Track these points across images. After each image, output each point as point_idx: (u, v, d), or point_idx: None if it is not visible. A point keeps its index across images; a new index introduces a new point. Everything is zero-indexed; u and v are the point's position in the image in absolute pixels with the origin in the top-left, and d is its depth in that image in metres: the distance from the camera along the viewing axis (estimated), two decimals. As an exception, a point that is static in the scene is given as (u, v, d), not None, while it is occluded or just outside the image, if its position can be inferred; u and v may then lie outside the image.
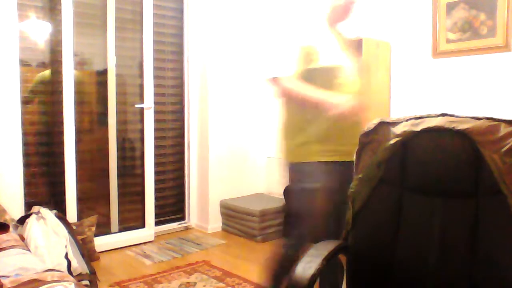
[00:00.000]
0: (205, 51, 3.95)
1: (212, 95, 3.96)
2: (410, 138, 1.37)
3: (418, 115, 1.39)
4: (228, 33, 4.03)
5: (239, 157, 4.18)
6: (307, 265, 1.21)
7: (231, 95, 4.09)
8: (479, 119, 1.30)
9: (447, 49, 3.07)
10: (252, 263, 3.20)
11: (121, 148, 3.67)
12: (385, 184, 1.41)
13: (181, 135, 4.08)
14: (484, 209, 1.25)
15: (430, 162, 1.34)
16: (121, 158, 3.66)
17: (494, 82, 2.89)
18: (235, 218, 3.87)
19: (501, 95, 2.84)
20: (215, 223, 4.01)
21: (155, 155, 3.77)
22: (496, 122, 1.27)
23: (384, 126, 1.43)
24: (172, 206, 4.05)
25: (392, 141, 1.39)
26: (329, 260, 1.29)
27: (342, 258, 1.45)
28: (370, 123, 1.47)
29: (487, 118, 1.29)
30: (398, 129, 1.39)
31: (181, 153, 4.08)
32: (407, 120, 1.41)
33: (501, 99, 2.85)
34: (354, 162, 1.51)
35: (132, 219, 3.75)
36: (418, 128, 1.36)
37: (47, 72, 3.27)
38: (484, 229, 1.25)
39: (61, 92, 3.23)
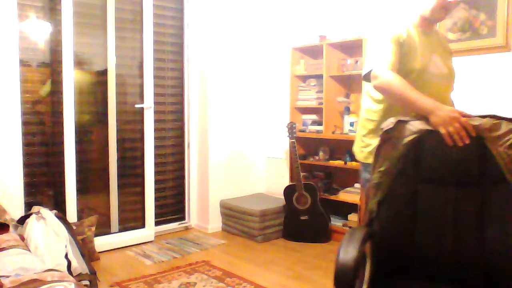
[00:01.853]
0: (205, 51, 3.95)
1: (212, 95, 3.96)
2: (425, 135, 1.55)
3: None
4: (228, 33, 4.04)
5: (239, 157, 4.18)
6: (348, 249, 1.34)
7: (231, 95, 4.10)
8: (484, 117, 1.48)
9: (447, 49, 3.07)
10: (252, 263, 3.20)
11: (121, 148, 3.67)
12: (402, 176, 1.57)
13: (181, 135, 4.08)
14: (491, 195, 1.45)
15: (442, 155, 1.52)
16: (121, 158, 3.66)
17: (494, 82, 2.89)
18: (235, 218, 3.87)
19: (501, 95, 2.85)
20: (215, 223, 4.01)
21: (155, 155, 3.77)
22: (498, 120, 1.46)
23: (401, 124, 1.60)
24: (172, 206, 4.05)
25: (409, 138, 1.56)
26: (366, 243, 1.44)
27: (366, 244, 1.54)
28: (389, 121, 1.61)
29: (491, 116, 1.48)
30: (414, 127, 1.57)
31: (181, 153, 4.09)
32: (422, 119, 1.58)
33: (501, 98, 2.85)
34: (374, 157, 1.65)
35: (132, 219, 3.75)
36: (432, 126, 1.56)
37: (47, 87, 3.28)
38: (492, 213, 1.44)
39: (61, 92, 3.23)
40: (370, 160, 1.85)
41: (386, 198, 1.58)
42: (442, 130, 1.51)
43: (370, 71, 1.76)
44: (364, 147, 1.94)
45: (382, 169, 1.60)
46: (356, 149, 2.01)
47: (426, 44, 1.86)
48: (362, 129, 1.96)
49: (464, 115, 1.52)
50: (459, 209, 1.48)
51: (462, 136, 1.48)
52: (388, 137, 1.60)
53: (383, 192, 1.58)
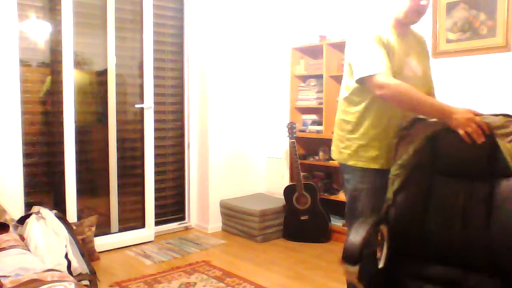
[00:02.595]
0: (205, 51, 3.95)
1: (212, 95, 3.96)
2: (440, 132, 1.69)
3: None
4: (228, 33, 4.03)
5: (239, 157, 4.18)
6: (359, 230, 1.53)
7: (231, 95, 4.10)
8: (496, 115, 1.62)
9: (447, 49, 3.07)
10: (252, 263, 3.20)
11: (121, 148, 3.67)
12: (419, 169, 1.73)
13: (181, 135, 4.08)
14: (498, 188, 1.57)
15: (456, 151, 1.66)
16: (121, 158, 3.66)
17: (494, 82, 2.89)
18: (235, 218, 3.87)
19: (501, 95, 2.85)
20: (215, 223, 4.01)
21: (155, 155, 3.77)
22: (510, 119, 1.59)
23: (418, 121, 1.77)
24: (172, 206, 4.05)
25: (426, 134, 1.72)
26: (376, 227, 1.65)
27: (383, 229, 1.72)
28: (407, 120, 1.78)
29: (503, 115, 1.61)
30: (431, 124, 1.73)
31: (181, 153, 4.08)
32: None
33: (501, 98, 2.85)
34: (394, 151, 1.79)
35: (132, 219, 3.75)
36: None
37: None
38: (498, 204, 1.55)
39: (61, 92, 3.23)
40: (351, 162, 1.92)
41: (403, 188, 1.73)
42: (461, 131, 1.61)
43: (368, 76, 1.74)
44: (344, 148, 1.95)
45: (399, 162, 1.75)
46: (335, 149, 2.02)
47: (402, 46, 1.88)
48: (340, 131, 1.97)
49: (477, 114, 1.61)
50: (469, 201, 1.61)
51: (479, 135, 1.59)
52: (405, 134, 1.77)
53: (399, 183, 1.74)
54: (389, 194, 1.76)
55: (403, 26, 1.92)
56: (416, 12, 1.86)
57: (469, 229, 1.58)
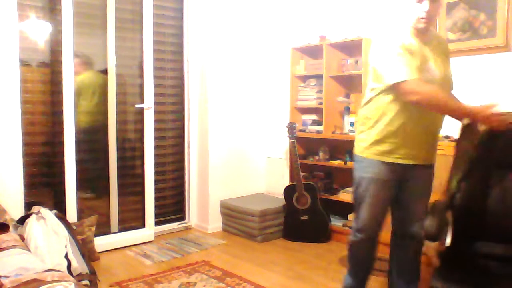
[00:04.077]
0: (205, 51, 3.96)
1: (212, 95, 3.96)
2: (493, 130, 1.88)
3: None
4: (228, 33, 4.04)
5: (239, 157, 4.18)
6: (433, 218, 1.80)
7: (231, 95, 4.10)
8: None
9: (447, 49, 3.07)
10: (252, 263, 3.20)
11: (121, 148, 3.67)
12: (479, 162, 1.94)
13: (181, 135, 4.08)
14: None
15: (510, 145, 1.90)
16: (121, 158, 3.66)
17: (494, 82, 2.89)
18: (235, 218, 3.87)
19: (501, 95, 2.84)
20: (215, 223, 4.01)
21: (155, 155, 3.77)
22: None
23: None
24: (172, 206, 4.05)
25: (484, 131, 1.91)
26: (446, 213, 1.88)
27: (448, 214, 1.90)
28: (465, 119, 1.99)
29: None
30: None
31: (181, 153, 4.09)
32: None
33: (501, 98, 2.84)
34: (455, 145, 2.03)
35: (132, 219, 3.75)
36: None
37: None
38: None
39: (61, 92, 3.23)
40: (364, 154, 2.10)
41: (465, 179, 1.95)
42: (488, 126, 1.82)
43: (399, 82, 1.86)
44: (361, 142, 2.12)
45: (461, 156, 1.96)
46: (355, 142, 2.19)
47: (423, 52, 1.97)
48: (361, 126, 2.13)
49: (502, 114, 1.80)
50: None
51: (503, 123, 1.78)
52: (465, 131, 1.98)
53: (462, 174, 1.95)
54: (453, 184, 1.96)
55: (422, 32, 1.99)
56: (423, 19, 1.92)
57: None
